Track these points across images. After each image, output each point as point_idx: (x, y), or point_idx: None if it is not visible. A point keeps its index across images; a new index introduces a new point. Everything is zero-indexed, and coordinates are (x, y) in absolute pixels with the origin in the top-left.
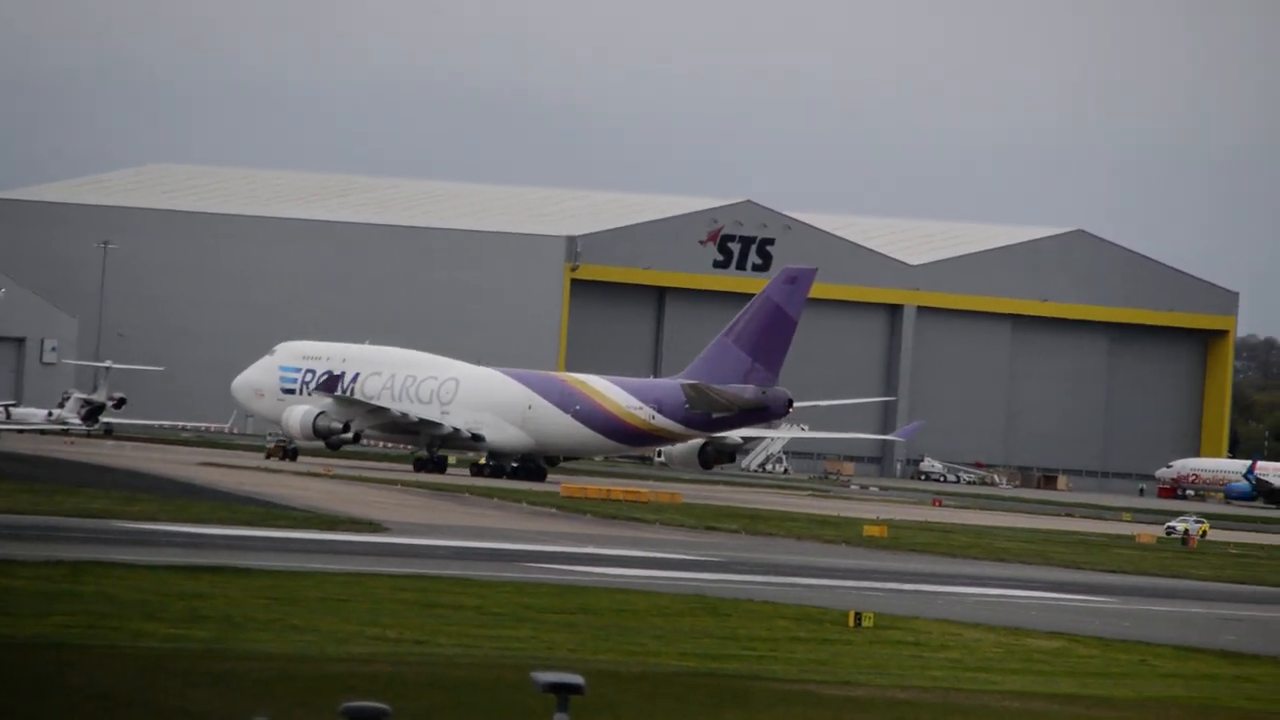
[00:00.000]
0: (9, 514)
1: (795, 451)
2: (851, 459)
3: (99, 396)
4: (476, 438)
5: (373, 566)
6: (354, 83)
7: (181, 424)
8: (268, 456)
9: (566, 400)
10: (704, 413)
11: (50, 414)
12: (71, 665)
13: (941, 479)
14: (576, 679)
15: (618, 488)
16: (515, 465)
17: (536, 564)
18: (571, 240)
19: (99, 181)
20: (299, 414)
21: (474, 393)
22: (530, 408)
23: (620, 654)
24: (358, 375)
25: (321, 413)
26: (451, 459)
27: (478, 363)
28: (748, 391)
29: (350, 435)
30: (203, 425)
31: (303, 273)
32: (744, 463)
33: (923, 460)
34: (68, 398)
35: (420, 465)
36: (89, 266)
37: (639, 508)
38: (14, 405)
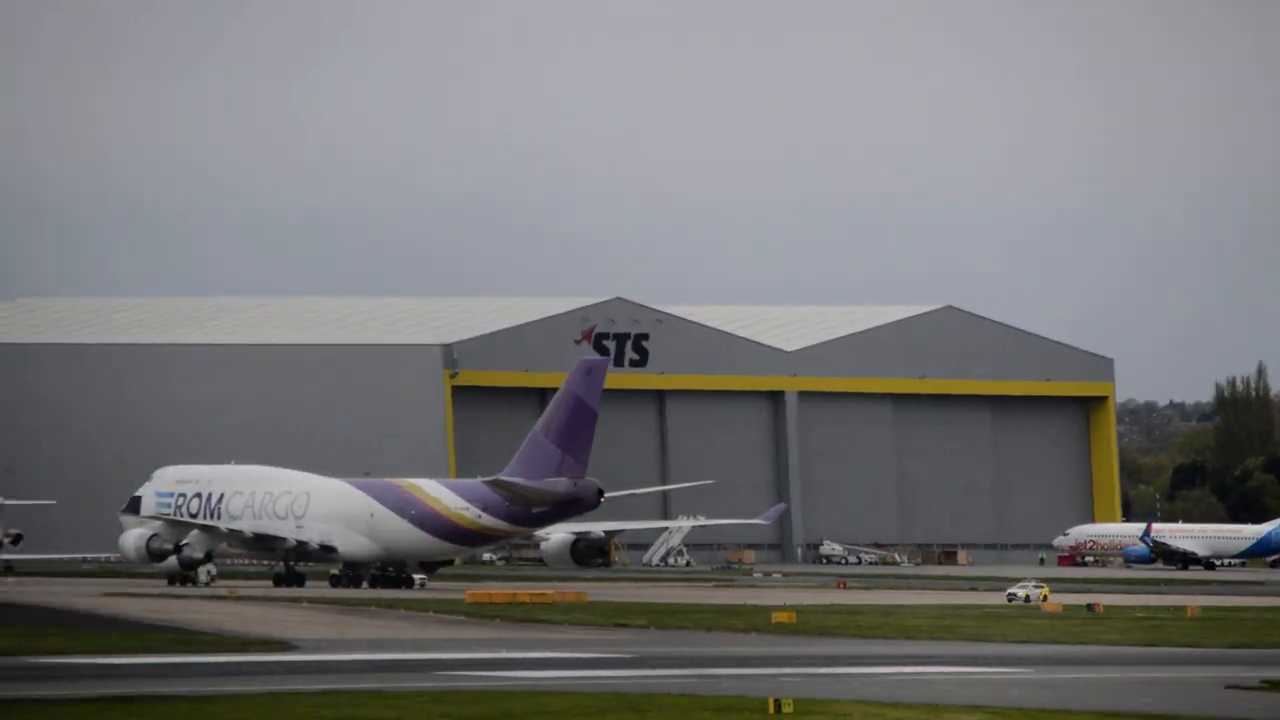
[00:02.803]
0: None
1: (695, 543)
2: (752, 547)
3: None
4: (328, 549)
5: (288, 685)
6: (210, 202)
7: (82, 555)
8: (170, 583)
9: (403, 505)
10: (523, 509)
11: None
12: None
13: (843, 561)
14: None
15: (523, 590)
16: (375, 573)
17: (452, 671)
18: (448, 348)
19: None
20: (132, 537)
21: (323, 504)
22: (372, 515)
23: None
24: (223, 495)
25: (154, 534)
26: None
27: (366, 476)
28: (560, 485)
29: (201, 556)
30: (103, 556)
31: (183, 397)
32: (645, 557)
33: (822, 544)
34: None
35: (279, 580)
36: None
37: (547, 609)
38: None
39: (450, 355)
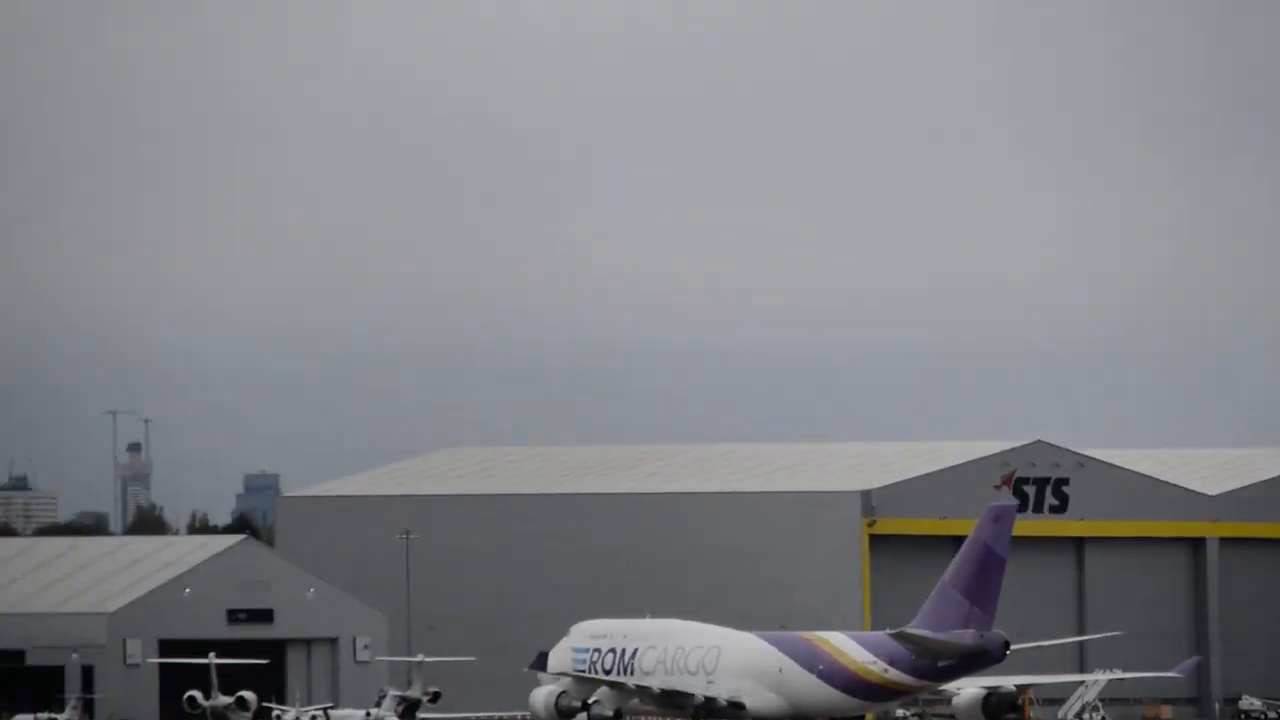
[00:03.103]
0: None
1: (1111, 697)
2: (1168, 701)
3: (414, 692)
4: (736, 705)
5: None
6: (611, 352)
7: (500, 714)
8: None
9: (811, 660)
10: (930, 662)
11: (368, 714)
12: None
13: (1263, 716)
14: None
15: None
16: None
17: None
18: (866, 494)
19: (392, 471)
20: (542, 694)
21: (733, 659)
22: (780, 670)
23: None
24: (637, 650)
25: (563, 692)
26: None
27: (782, 629)
28: (967, 637)
29: (610, 713)
30: (519, 714)
31: (601, 549)
32: (1061, 712)
33: (1240, 699)
34: (384, 695)
35: None
36: (392, 559)
37: None
38: (332, 707)
39: (868, 502)
